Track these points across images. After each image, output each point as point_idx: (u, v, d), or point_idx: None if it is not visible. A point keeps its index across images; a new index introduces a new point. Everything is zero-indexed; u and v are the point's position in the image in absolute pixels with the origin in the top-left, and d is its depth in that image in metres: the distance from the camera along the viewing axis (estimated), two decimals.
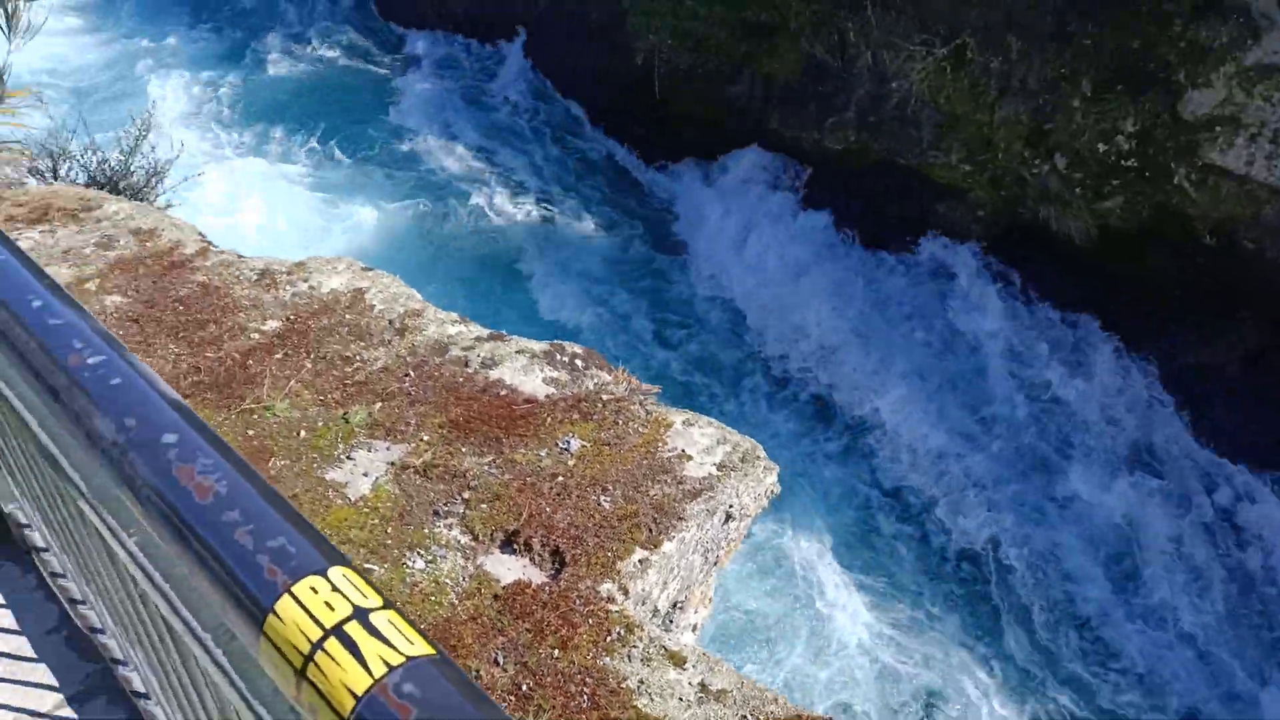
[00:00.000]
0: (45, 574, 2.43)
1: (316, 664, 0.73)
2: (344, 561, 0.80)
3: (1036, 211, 10.34)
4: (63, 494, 1.68)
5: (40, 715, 2.19)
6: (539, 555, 2.37)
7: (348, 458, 2.69)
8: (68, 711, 2.19)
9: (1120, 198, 9.98)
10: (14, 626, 2.39)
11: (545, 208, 11.57)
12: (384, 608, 0.76)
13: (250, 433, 2.87)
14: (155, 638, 1.62)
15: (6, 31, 4.45)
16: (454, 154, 12.25)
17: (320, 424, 2.82)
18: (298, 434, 2.82)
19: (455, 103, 13.04)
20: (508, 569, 2.35)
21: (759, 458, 2.57)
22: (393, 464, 2.65)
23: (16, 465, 2.08)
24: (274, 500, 0.87)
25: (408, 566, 2.40)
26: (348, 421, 2.80)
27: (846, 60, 10.57)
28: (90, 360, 1.04)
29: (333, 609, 0.76)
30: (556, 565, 2.36)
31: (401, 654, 0.72)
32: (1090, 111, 9.72)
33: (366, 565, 2.47)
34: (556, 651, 2.14)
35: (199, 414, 1.40)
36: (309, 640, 0.74)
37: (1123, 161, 9.87)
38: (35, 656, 2.31)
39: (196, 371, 3.04)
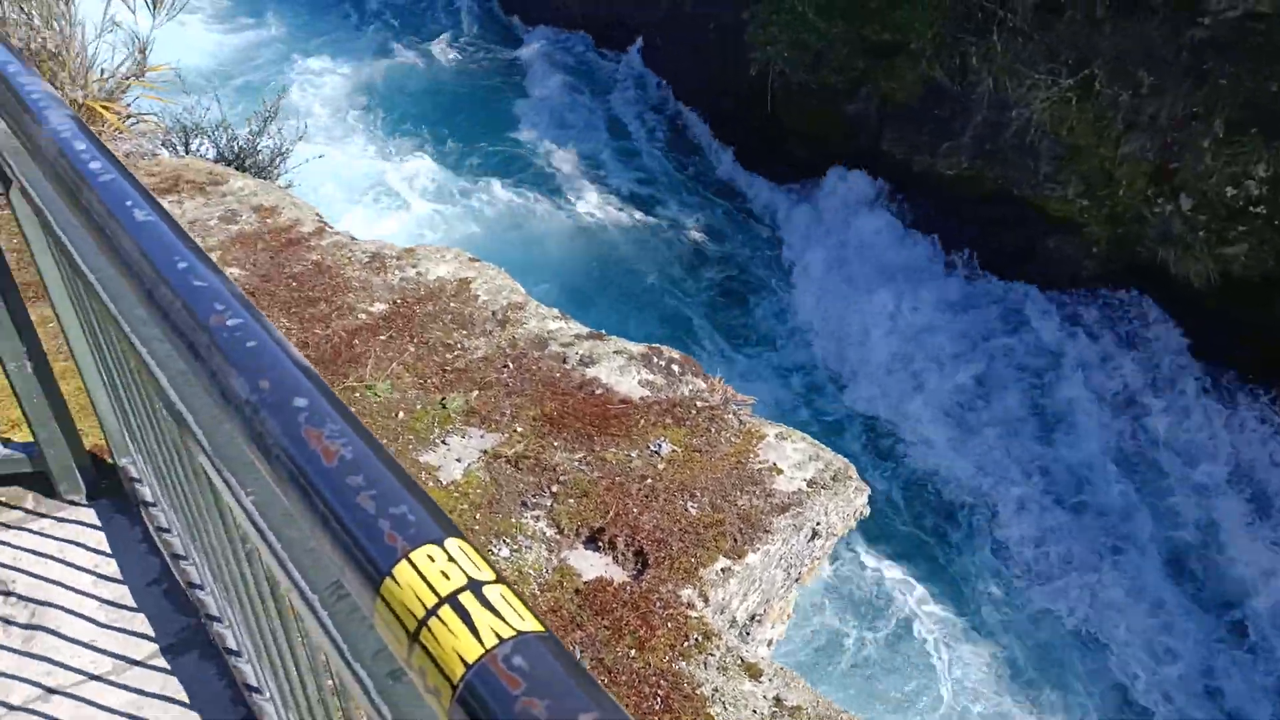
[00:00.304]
0: (151, 528, 2.55)
1: (430, 629, 0.75)
2: (459, 534, 0.82)
3: (1155, 252, 9.97)
4: (182, 450, 1.76)
5: (136, 662, 2.29)
6: (622, 555, 2.39)
7: (442, 442, 2.75)
8: (161, 661, 2.28)
9: (1245, 244, 9.56)
10: (118, 576, 2.51)
11: (650, 211, 11.64)
12: (496, 581, 0.78)
13: (351, 410, 2.96)
14: (257, 596, 1.68)
15: (151, 7, 4.68)
16: (565, 152, 12.42)
17: (418, 407, 2.88)
18: (396, 415, 2.89)
19: (570, 102, 13.22)
20: (590, 565, 2.37)
21: (851, 478, 2.54)
22: (485, 452, 2.69)
23: (137, 421, 2.18)
24: (395, 469, 0.89)
25: (493, 554, 2.44)
26: (445, 407, 2.86)
27: (966, 85, 10.38)
28: (230, 322, 1.08)
29: (448, 578, 0.78)
30: (639, 566, 2.37)
31: (513, 628, 0.73)
32: (1221, 153, 9.34)
33: None
34: (633, 651, 2.15)
35: None
36: (424, 606, 0.76)
37: (1251, 207, 9.45)
38: (135, 606, 2.42)
39: (304, 346, 3.14)
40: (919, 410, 9.49)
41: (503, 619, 0.74)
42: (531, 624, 0.74)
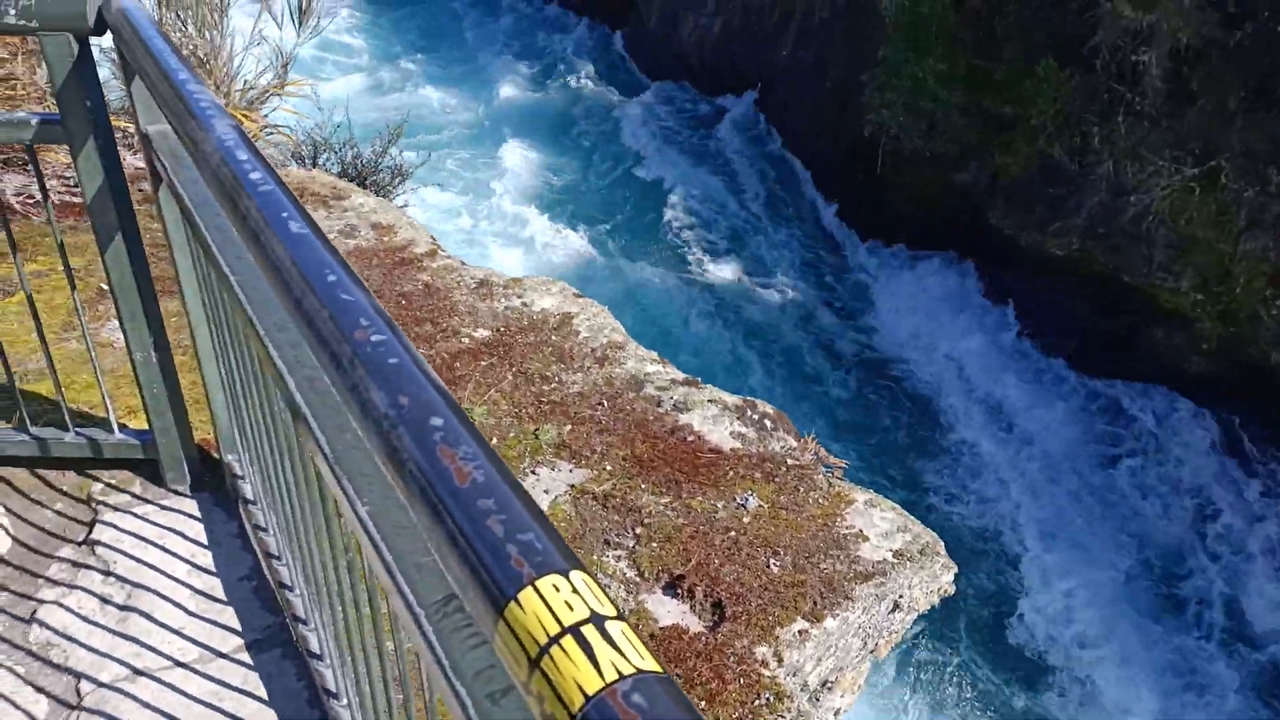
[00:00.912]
0: (248, 525, 2.63)
1: (551, 657, 0.77)
2: (583, 567, 0.84)
3: (1269, 355, 9.59)
4: (295, 453, 1.83)
5: (220, 654, 2.36)
6: (700, 604, 2.38)
7: (532, 472, 2.78)
8: (244, 656, 2.35)
9: None
10: (211, 568, 2.59)
11: (749, 260, 11.71)
12: (618, 618, 0.79)
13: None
14: (351, 603, 1.73)
15: (296, 22, 4.92)
16: (671, 196, 12.59)
17: (511, 435, 2.93)
18: (490, 440, 2.94)
19: (681, 145, 13.42)
20: (667, 611, 2.37)
21: (939, 554, 2.49)
22: (573, 486, 2.72)
23: (251, 420, 2.26)
24: (523, 496, 0.92)
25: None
26: (537, 438, 2.90)
27: (1085, 165, 10.19)
28: (374, 338, 1.13)
29: (571, 609, 0.79)
30: (716, 618, 2.36)
31: (633, 665, 0.74)
32: None
33: None
34: (703, 704, 2.13)
35: None
36: (546, 633, 0.78)
37: None
38: (225, 599, 2.50)
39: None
40: (995, 490, 9.25)
41: (623, 655, 0.75)
42: (651, 664, 0.75)
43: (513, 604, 0.82)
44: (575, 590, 0.81)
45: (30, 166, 4.44)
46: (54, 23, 2.33)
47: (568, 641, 0.77)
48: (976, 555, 8.57)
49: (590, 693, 0.73)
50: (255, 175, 1.52)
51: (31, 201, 4.32)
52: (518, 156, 13.31)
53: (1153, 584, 8.59)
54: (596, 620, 0.78)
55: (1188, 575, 8.68)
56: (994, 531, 8.96)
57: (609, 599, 0.82)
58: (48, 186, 4.69)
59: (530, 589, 0.82)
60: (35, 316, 2.75)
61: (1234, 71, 9.51)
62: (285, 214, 1.41)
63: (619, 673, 0.74)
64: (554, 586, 0.82)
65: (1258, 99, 9.41)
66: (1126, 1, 10.02)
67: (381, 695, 1.74)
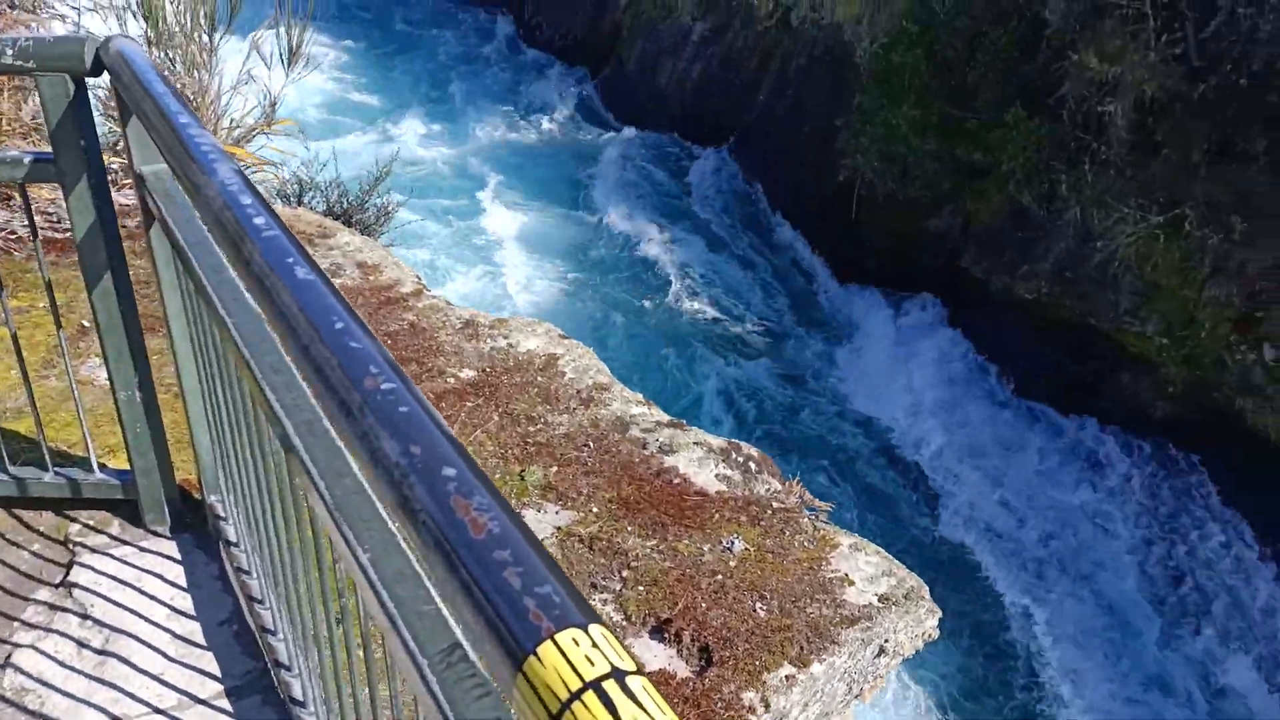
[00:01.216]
0: (230, 568, 2.61)
1: (573, 713, 0.77)
2: (602, 621, 0.85)
3: (1233, 400, 9.76)
4: (285, 497, 1.82)
5: (199, 700, 2.33)
6: (687, 649, 2.38)
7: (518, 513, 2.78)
8: (224, 703, 2.32)
9: None
10: (191, 611, 2.56)
11: (728, 303, 11.81)
12: (638, 673, 0.80)
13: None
14: (342, 649, 1.71)
15: (285, 63, 4.96)
16: (651, 240, 12.77)
17: (497, 476, 2.93)
18: None
19: (660, 190, 13.57)
20: (654, 655, 2.37)
21: (924, 598, 2.51)
22: (559, 529, 2.72)
23: (238, 463, 2.25)
24: (539, 549, 0.93)
25: None
26: (523, 479, 2.90)
27: (1053, 211, 10.40)
28: (384, 386, 1.14)
29: (592, 664, 0.80)
30: (703, 663, 2.36)
31: None
32: None
33: None
34: None
35: None
36: (568, 689, 0.79)
37: None
38: (205, 644, 2.47)
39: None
40: (967, 530, 9.32)
41: (645, 711, 0.76)
42: (671, 719, 0.76)
43: (532, 658, 0.82)
44: (595, 644, 0.82)
45: (11, 203, 4.41)
46: (51, 64, 2.35)
47: (589, 697, 0.78)
48: (951, 594, 8.60)
49: None
50: (259, 220, 1.53)
51: (13, 237, 4.30)
52: (500, 199, 13.45)
53: (1113, 623, 8.67)
54: (618, 675, 0.79)
55: (1149, 614, 8.76)
56: (967, 571, 9.00)
57: (629, 654, 0.83)
58: (23, 224, 4.66)
59: (550, 643, 0.82)
60: (19, 354, 2.73)
61: (1198, 123, 9.76)
62: (290, 259, 1.42)
63: None
64: (574, 640, 0.82)
65: (1221, 150, 9.66)
66: (1093, 54, 10.29)
67: None
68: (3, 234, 4.40)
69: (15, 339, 2.75)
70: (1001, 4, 11.09)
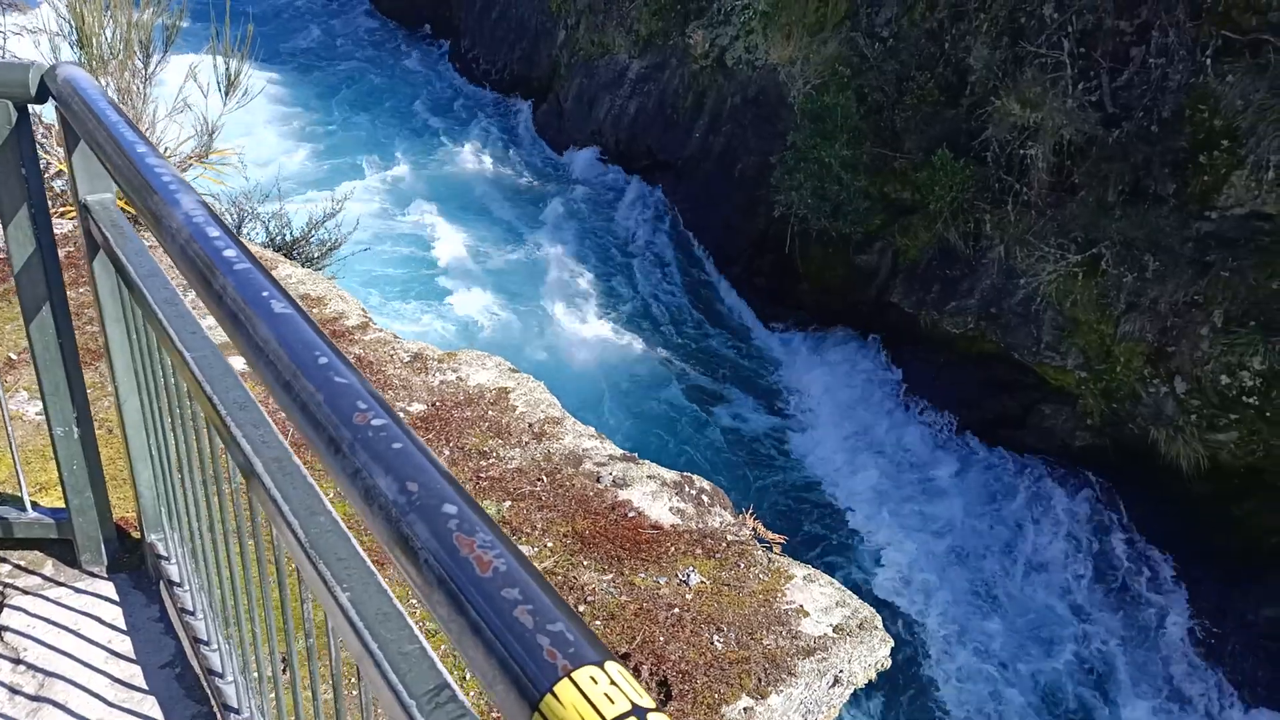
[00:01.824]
0: (173, 609, 2.52)
1: None
2: (616, 658, 0.85)
3: (1147, 431, 10.13)
4: (246, 535, 1.78)
5: None
6: (646, 683, 2.37)
7: None
8: None
9: (1236, 432, 9.73)
10: (130, 654, 2.48)
11: (667, 338, 11.92)
12: (657, 710, 0.81)
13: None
14: (304, 691, 1.67)
15: (222, 93, 4.88)
16: (589, 275, 12.90)
17: None
18: None
19: (598, 227, 13.69)
20: None
21: (876, 628, 2.55)
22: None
23: (188, 500, 2.19)
24: (546, 587, 0.93)
25: None
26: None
27: (978, 249, 10.72)
28: (374, 422, 1.13)
29: (612, 701, 0.80)
30: (662, 697, 2.35)
31: None
32: (1218, 342, 9.60)
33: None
34: None
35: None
36: None
37: (1244, 397, 9.66)
38: (146, 688, 2.38)
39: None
40: (898, 556, 9.50)
41: None
42: None
43: (549, 697, 0.82)
44: (613, 682, 0.82)
45: None
46: None
47: None
48: (890, 620, 8.73)
49: None
50: (230, 253, 1.51)
51: None
52: (441, 232, 13.49)
53: (1030, 643, 8.89)
54: (638, 713, 0.79)
55: (1063, 637, 8.99)
56: (902, 600, 9.13)
57: (645, 691, 0.83)
58: None
59: (567, 681, 0.82)
60: None
61: (1112, 166, 10.19)
62: (266, 293, 1.40)
63: None
64: (591, 679, 0.82)
65: (1134, 192, 10.09)
66: (1015, 101, 10.69)
67: None
68: None
69: None
70: (928, 50, 11.46)
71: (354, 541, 1.39)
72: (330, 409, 1.17)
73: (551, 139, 16.02)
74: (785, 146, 11.92)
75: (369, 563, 1.37)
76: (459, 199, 14.18)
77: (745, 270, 12.50)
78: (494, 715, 2.40)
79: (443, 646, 2.48)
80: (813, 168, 11.41)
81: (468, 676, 2.51)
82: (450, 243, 13.24)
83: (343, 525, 1.43)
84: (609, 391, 10.89)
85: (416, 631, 1.26)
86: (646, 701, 0.81)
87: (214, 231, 1.58)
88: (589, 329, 11.98)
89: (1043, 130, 10.40)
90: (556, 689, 0.82)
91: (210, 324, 2.59)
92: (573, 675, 0.83)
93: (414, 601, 2.59)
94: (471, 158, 15.50)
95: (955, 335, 10.83)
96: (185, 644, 2.45)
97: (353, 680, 2.25)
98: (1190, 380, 9.87)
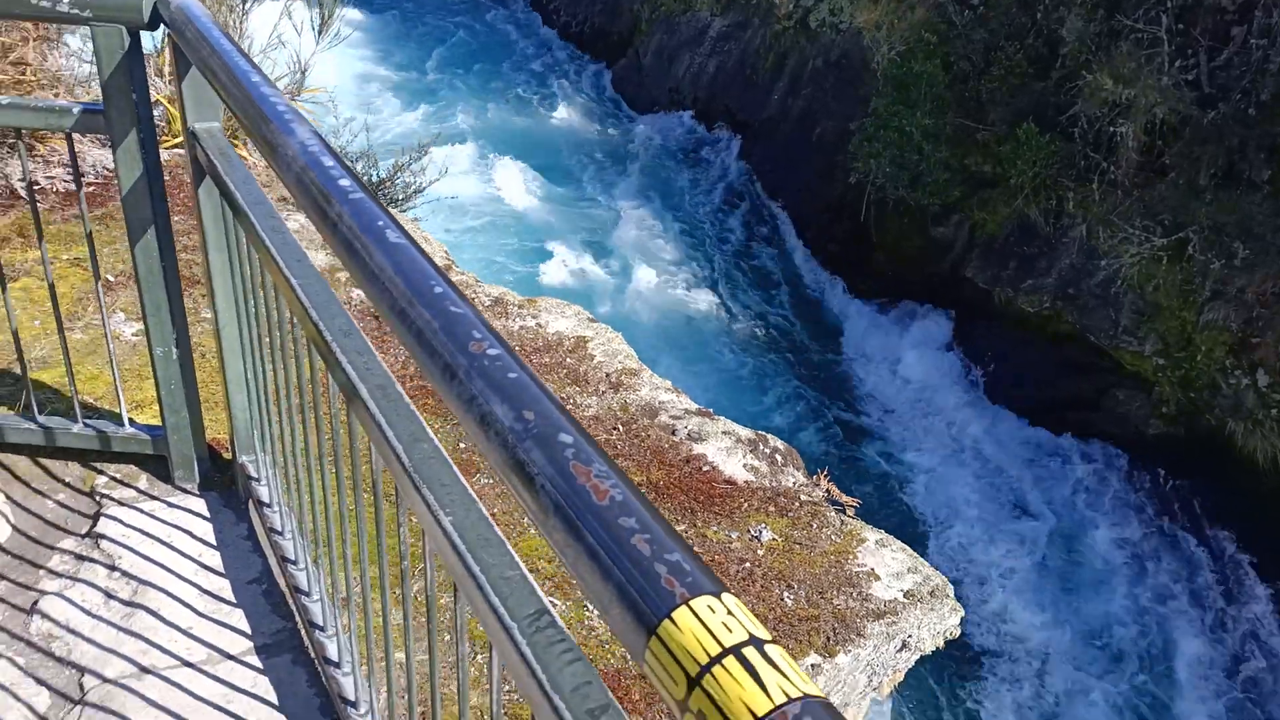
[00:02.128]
0: (262, 528, 2.61)
1: (714, 676, 0.78)
2: (731, 591, 0.87)
3: (1224, 423, 9.85)
4: (344, 460, 1.83)
5: (228, 656, 2.34)
6: None
7: None
8: (254, 660, 2.33)
9: None
10: (219, 569, 2.57)
11: (740, 298, 11.93)
12: (774, 642, 0.82)
13: (461, 445, 3.03)
14: (395, 612, 1.73)
15: (315, 31, 4.94)
16: (667, 233, 12.86)
17: None
18: None
19: (674, 185, 13.67)
20: None
21: (948, 596, 2.54)
22: None
23: (283, 425, 2.25)
24: (661, 520, 0.94)
25: (588, 610, 2.47)
26: None
27: (1059, 228, 10.46)
28: (490, 351, 1.15)
29: (730, 630, 0.81)
30: None
31: (799, 690, 0.76)
32: None
33: (549, 600, 2.54)
34: None
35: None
36: (707, 653, 0.80)
37: None
38: (234, 601, 2.48)
39: (422, 377, 3.22)
40: (961, 535, 9.42)
41: (789, 679, 0.77)
42: (814, 689, 0.78)
43: (667, 622, 0.84)
44: (730, 612, 0.83)
45: (34, 153, 4.39)
46: (107, 14, 2.34)
47: (730, 662, 0.79)
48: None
49: (760, 714, 0.75)
50: (345, 183, 1.54)
51: (36, 188, 4.27)
52: (521, 181, 13.59)
53: (1091, 635, 8.78)
54: (756, 643, 0.80)
55: (1124, 633, 8.85)
56: (959, 572, 9.09)
57: (762, 624, 0.84)
58: (48, 175, 4.63)
59: (685, 608, 0.84)
60: (55, 303, 2.73)
61: (1205, 149, 9.83)
62: (381, 223, 1.42)
63: (787, 696, 0.76)
64: (709, 608, 0.83)
65: (1227, 176, 9.74)
66: (1107, 75, 10.34)
67: (402, 705, 1.74)
68: (23, 184, 4.38)
69: (53, 289, 2.74)
70: (1019, 20, 11.13)
71: (455, 469, 1.43)
72: (446, 336, 1.19)
73: (630, 95, 15.92)
74: (866, 113, 11.71)
75: (470, 490, 1.40)
76: (537, 151, 14.24)
77: (820, 236, 12.36)
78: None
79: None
80: (893, 136, 11.20)
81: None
82: (527, 193, 13.37)
83: (444, 453, 1.47)
84: (680, 347, 10.94)
85: (516, 559, 1.29)
86: (763, 633, 0.82)
87: (329, 161, 1.61)
88: (662, 284, 12.04)
89: (1134, 108, 10.06)
90: (675, 615, 0.84)
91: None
92: (691, 603, 0.84)
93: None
94: (550, 111, 15.53)
95: (1030, 314, 10.61)
96: (272, 562, 2.54)
97: (442, 603, 2.30)
98: (1273, 373, 9.56)
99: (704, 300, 11.92)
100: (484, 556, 1.27)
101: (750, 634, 0.82)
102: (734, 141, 14.16)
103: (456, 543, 1.30)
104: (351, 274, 1.44)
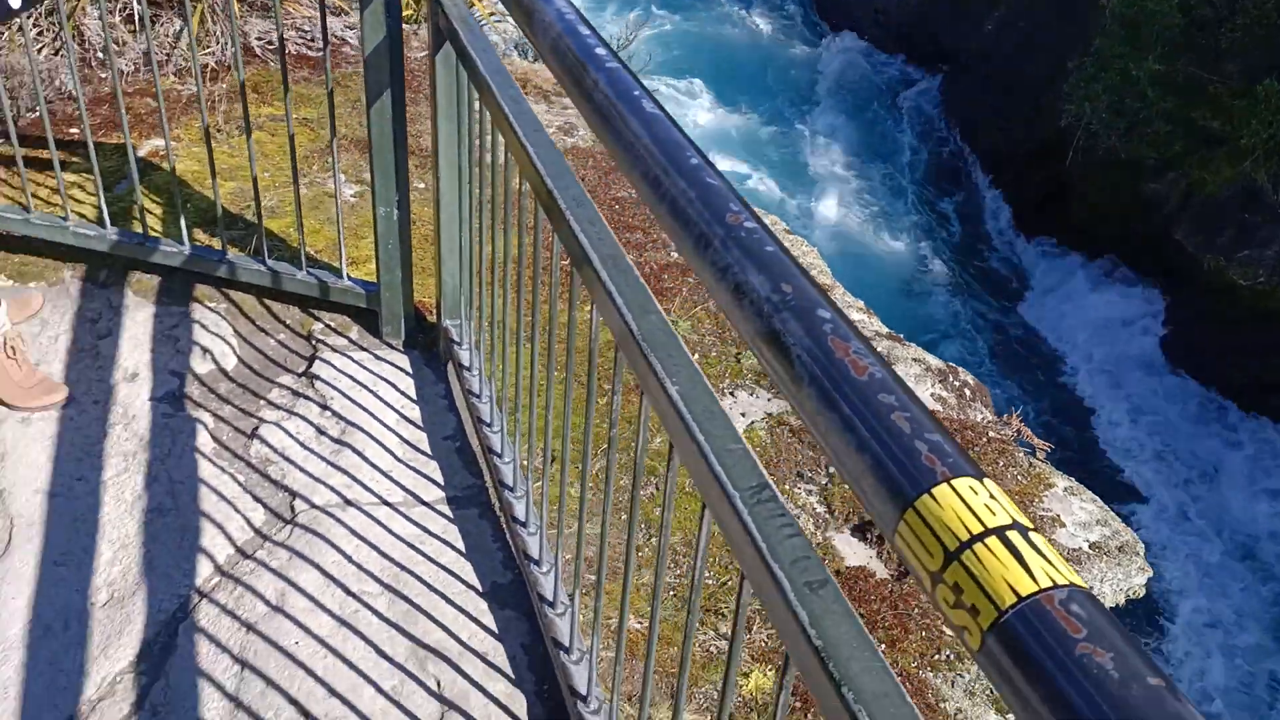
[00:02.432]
0: (460, 389, 2.75)
1: (975, 553, 0.78)
2: (992, 478, 0.86)
3: None
4: (552, 333, 1.89)
5: (422, 502, 2.49)
6: (888, 553, 2.39)
7: (730, 394, 2.82)
8: (445, 509, 2.47)
9: None
10: (418, 421, 2.73)
11: (923, 233, 11.62)
12: (1038, 531, 0.81)
13: None
14: (593, 485, 1.80)
15: None
16: (856, 159, 12.57)
17: (713, 353, 2.97)
18: (692, 355, 2.97)
19: (868, 111, 13.28)
20: (854, 552, 2.39)
21: (1138, 554, 2.44)
22: (770, 415, 2.75)
23: (497, 294, 2.34)
24: (919, 403, 0.94)
25: None
26: (739, 361, 2.93)
27: None
28: (746, 224, 1.16)
29: (993, 513, 0.80)
30: (903, 569, 2.37)
31: (1065, 577, 0.75)
32: None
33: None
34: (883, 647, 2.16)
35: None
36: (968, 530, 0.79)
37: None
38: (430, 453, 2.63)
39: None
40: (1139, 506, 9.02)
41: (1054, 566, 0.76)
42: (1080, 581, 0.77)
43: (926, 497, 0.83)
44: (993, 496, 0.82)
45: (269, 13, 4.61)
46: None
47: (993, 542, 0.78)
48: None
49: (1023, 594, 0.74)
50: (601, 51, 1.56)
51: (271, 48, 4.51)
52: (712, 93, 13.45)
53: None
54: (1019, 529, 0.80)
55: None
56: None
57: (1024, 515, 0.83)
58: (285, 37, 4.87)
59: (947, 486, 0.83)
60: (293, 156, 2.90)
61: None
62: (637, 93, 1.44)
63: (1053, 581, 0.75)
64: (971, 489, 0.83)
65: None
66: None
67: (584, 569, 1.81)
68: (261, 43, 4.62)
69: (292, 140, 2.91)
70: None
71: (681, 341, 1.46)
72: (702, 205, 1.21)
73: (829, 15, 15.37)
74: (1087, 52, 10.91)
75: (695, 362, 1.43)
76: (725, 69, 14.01)
77: (1017, 179, 11.74)
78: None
79: None
80: (1115, 79, 10.42)
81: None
82: (714, 110, 13.26)
83: (670, 325, 1.50)
84: (863, 276, 10.76)
85: (740, 434, 1.32)
86: (1026, 522, 0.81)
87: (585, 30, 1.63)
88: (846, 211, 11.82)
89: None
90: (935, 491, 0.84)
91: None
92: (952, 482, 0.84)
93: None
94: (742, 29, 15.18)
95: (1242, 286, 9.83)
96: (467, 422, 2.67)
97: (621, 484, 2.38)
98: None
99: (888, 230, 11.63)
100: (709, 427, 1.30)
101: (1014, 519, 0.81)
102: (936, 72, 13.52)
103: (682, 411, 1.33)
104: (604, 142, 1.46)
